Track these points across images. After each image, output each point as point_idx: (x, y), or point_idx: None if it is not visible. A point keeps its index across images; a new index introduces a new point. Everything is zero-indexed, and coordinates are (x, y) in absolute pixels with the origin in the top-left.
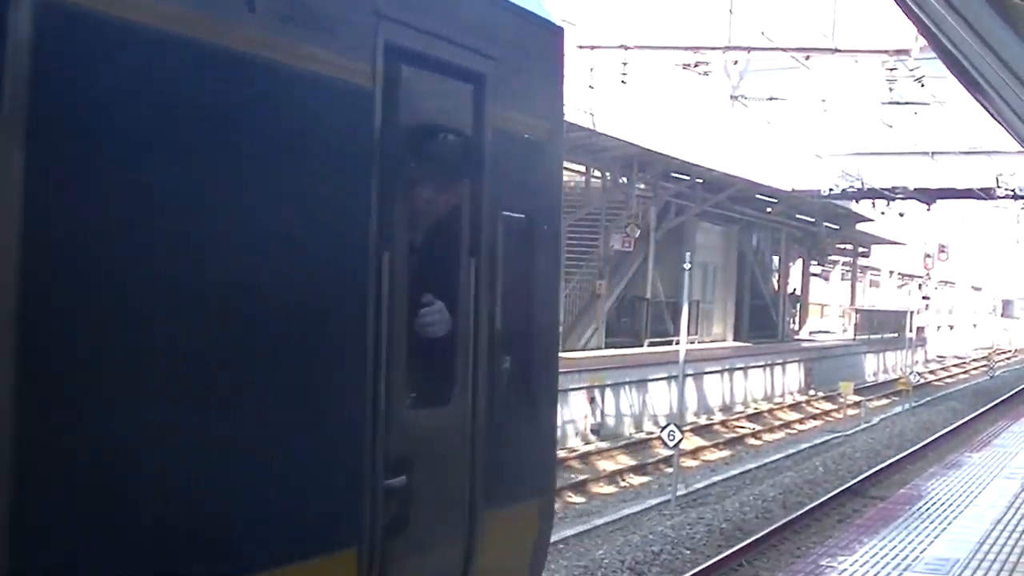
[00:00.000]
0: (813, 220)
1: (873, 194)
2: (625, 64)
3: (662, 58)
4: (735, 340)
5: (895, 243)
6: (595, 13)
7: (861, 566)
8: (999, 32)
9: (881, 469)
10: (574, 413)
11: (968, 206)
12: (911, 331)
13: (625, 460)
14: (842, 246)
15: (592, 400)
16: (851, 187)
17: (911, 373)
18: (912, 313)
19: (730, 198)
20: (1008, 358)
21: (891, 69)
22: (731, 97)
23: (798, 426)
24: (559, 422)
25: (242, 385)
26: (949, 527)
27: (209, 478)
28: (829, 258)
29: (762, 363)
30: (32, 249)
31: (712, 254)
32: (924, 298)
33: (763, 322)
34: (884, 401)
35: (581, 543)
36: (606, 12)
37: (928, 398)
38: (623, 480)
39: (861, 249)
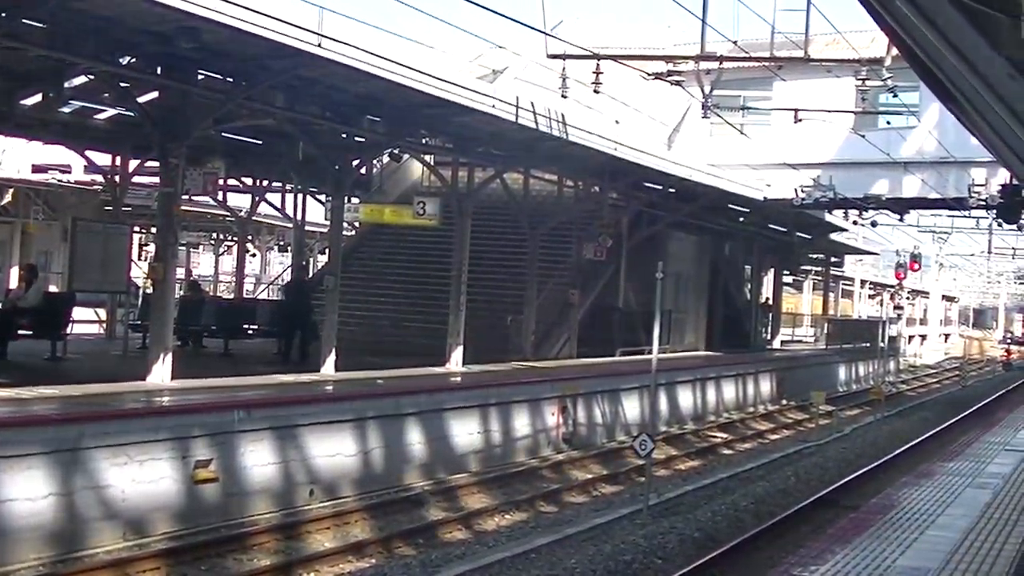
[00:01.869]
0: (786, 230)
1: (845, 204)
2: (598, 74)
3: (635, 67)
4: (707, 349)
5: (867, 253)
6: (568, 23)
7: (833, 575)
8: (973, 41)
9: (853, 479)
10: (546, 422)
11: (941, 216)
12: (883, 341)
13: (597, 469)
14: (814, 256)
15: (564, 409)
16: (823, 197)
17: (883, 383)
18: (884, 323)
19: (703, 207)
20: (980, 368)
21: (863, 79)
22: (703, 107)
23: (770, 436)
24: (531, 431)
25: None
26: (921, 536)
27: None
28: (801, 268)
29: (734, 372)
30: None
31: (685, 264)
32: (896, 308)
33: (735, 332)
34: (857, 411)
35: (553, 553)
36: (580, 22)
37: (900, 408)
38: (595, 489)
39: (834, 259)
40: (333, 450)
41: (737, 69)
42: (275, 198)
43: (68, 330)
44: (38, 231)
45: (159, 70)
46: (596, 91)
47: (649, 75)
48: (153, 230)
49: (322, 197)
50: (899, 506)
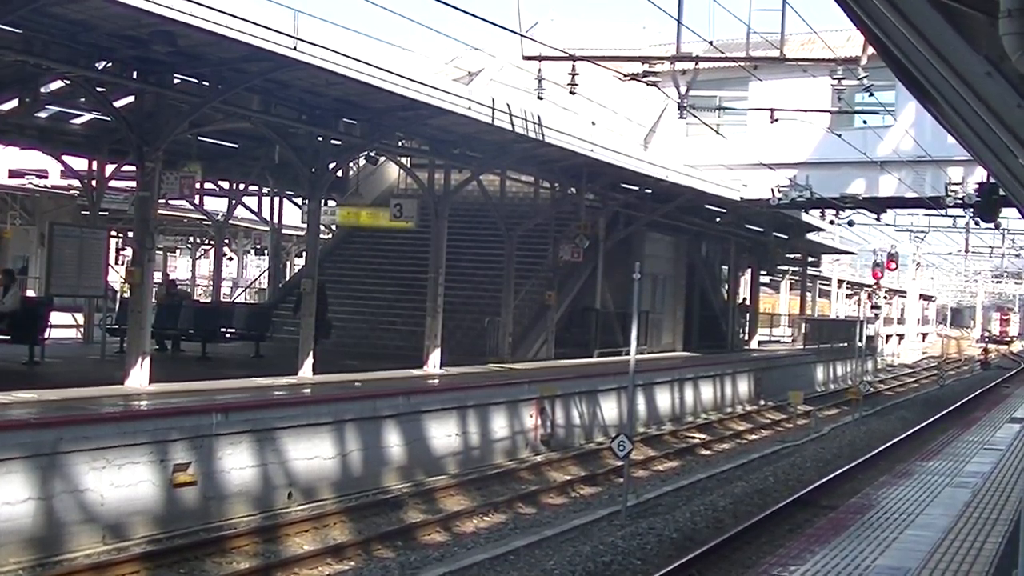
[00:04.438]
0: (762, 230)
1: (822, 203)
2: (574, 75)
3: (610, 68)
4: (684, 350)
5: (844, 252)
6: (543, 24)
7: (813, 575)
8: (950, 40)
9: (832, 479)
10: (524, 424)
11: (918, 215)
12: (861, 341)
13: (575, 471)
14: (791, 256)
15: (542, 411)
16: (800, 197)
17: (861, 383)
18: (862, 323)
19: (679, 208)
20: (958, 367)
21: (839, 78)
22: (679, 107)
23: (748, 436)
24: (509, 433)
25: None
26: (900, 536)
27: None
28: (778, 268)
29: (712, 373)
30: None
31: (662, 264)
32: (874, 308)
33: (713, 332)
34: (834, 411)
35: (531, 554)
36: (555, 23)
37: (878, 407)
38: (573, 491)
39: (811, 259)
40: (311, 453)
41: (713, 69)
42: (252, 201)
43: (46, 335)
44: (15, 236)
45: (135, 74)
46: (572, 92)
47: (625, 76)
48: (130, 234)
49: (299, 200)
50: (878, 506)
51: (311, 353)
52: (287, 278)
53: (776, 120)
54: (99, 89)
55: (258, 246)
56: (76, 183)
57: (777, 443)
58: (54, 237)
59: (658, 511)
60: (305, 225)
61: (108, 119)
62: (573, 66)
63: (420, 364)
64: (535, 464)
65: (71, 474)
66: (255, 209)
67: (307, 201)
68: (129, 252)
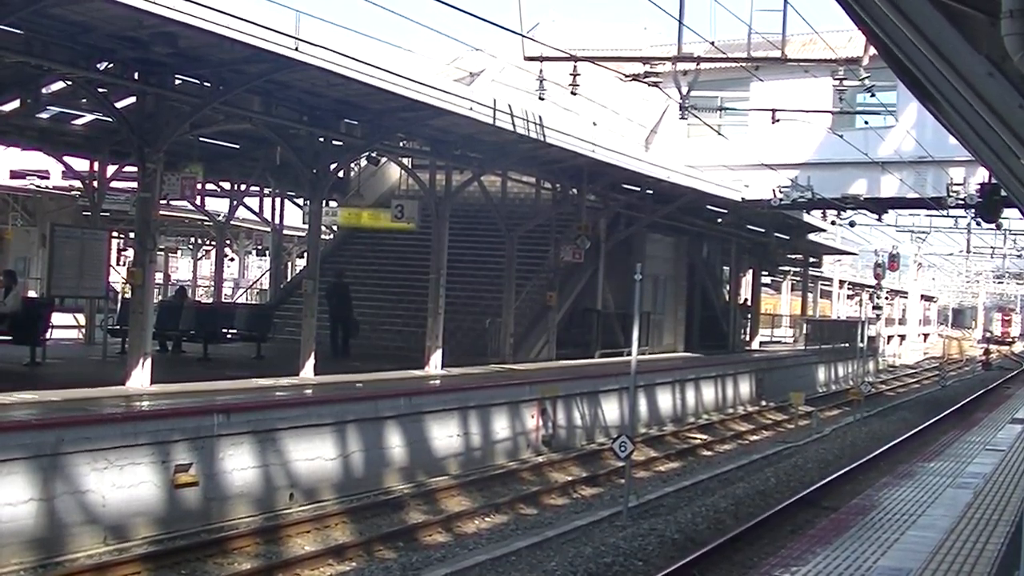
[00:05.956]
0: (764, 230)
1: (823, 204)
2: (576, 76)
3: (612, 69)
4: (686, 351)
5: (846, 253)
6: (545, 25)
7: None
8: (951, 40)
9: (833, 479)
10: (525, 425)
11: (920, 216)
12: (862, 341)
13: (577, 471)
14: (793, 256)
15: (543, 412)
16: (801, 197)
17: (862, 383)
18: (863, 323)
19: (680, 209)
20: (960, 367)
21: (841, 79)
22: (681, 108)
23: (750, 437)
24: (510, 434)
25: None
26: (902, 537)
27: None
28: (780, 269)
29: (713, 374)
30: None
31: (663, 265)
32: (875, 308)
33: (714, 333)
34: (836, 411)
35: (533, 555)
36: (556, 24)
37: (880, 408)
38: (575, 492)
39: (812, 260)
40: (313, 454)
41: (714, 70)
42: (253, 202)
43: (47, 335)
44: (16, 237)
45: (136, 75)
46: (573, 93)
47: (626, 76)
48: (131, 235)
49: (300, 201)
50: (880, 506)
51: (312, 354)
52: (288, 279)
53: (777, 121)
54: (100, 90)
55: (259, 247)
56: (77, 184)
57: (778, 444)
58: (55, 238)
59: (659, 512)
60: (306, 226)
61: (109, 120)
62: (574, 67)
63: (421, 365)
64: (536, 465)
65: (73, 475)
66: (256, 210)
67: (308, 202)
68: (130, 253)
